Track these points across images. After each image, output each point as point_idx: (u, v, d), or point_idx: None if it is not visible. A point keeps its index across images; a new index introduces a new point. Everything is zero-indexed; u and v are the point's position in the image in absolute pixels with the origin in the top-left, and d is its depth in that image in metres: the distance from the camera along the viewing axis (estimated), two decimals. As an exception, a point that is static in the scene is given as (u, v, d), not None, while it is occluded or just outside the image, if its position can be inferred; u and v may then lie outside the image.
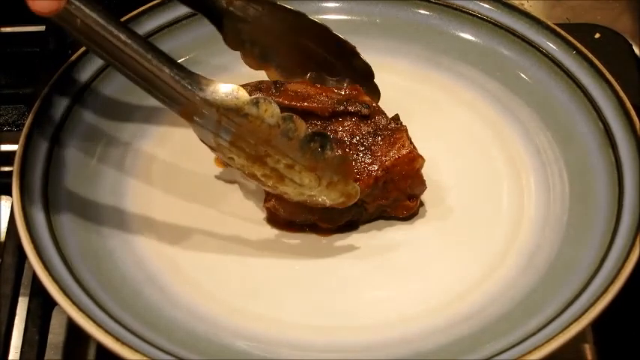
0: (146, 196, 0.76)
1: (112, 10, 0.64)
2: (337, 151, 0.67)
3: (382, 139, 0.72)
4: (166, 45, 0.82)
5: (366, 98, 0.75)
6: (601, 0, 1.01)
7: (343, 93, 0.76)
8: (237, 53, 0.78)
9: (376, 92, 0.78)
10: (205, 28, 0.81)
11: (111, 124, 0.79)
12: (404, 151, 0.71)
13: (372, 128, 0.73)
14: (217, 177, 0.78)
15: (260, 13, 0.75)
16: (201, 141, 0.67)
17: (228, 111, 0.63)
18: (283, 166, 0.66)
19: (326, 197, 0.68)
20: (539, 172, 0.77)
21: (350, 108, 0.73)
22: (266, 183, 0.68)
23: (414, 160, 0.71)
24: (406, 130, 0.73)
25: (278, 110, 0.63)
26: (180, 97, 0.64)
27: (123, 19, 0.82)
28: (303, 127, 0.64)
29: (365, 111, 0.73)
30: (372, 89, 0.77)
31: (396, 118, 0.74)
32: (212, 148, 0.67)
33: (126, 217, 0.74)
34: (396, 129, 0.73)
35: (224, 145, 0.65)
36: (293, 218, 0.72)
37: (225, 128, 0.64)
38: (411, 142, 0.72)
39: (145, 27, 0.82)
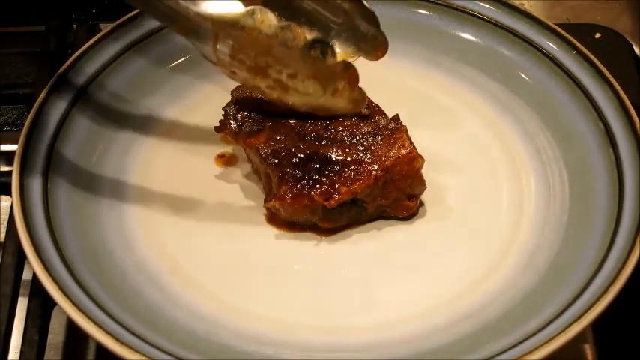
0: (146, 196, 0.76)
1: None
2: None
3: (382, 139, 0.72)
4: (166, 44, 0.83)
5: (367, 98, 0.75)
6: (601, 0, 1.01)
7: None
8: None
9: (385, 41, 0.74)
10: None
11: (111, 124, 0.79)
12: (404, 151, 0.71)
13: (372, 128, 0.73)
14: (218, 177, 0.78)
15: None
16: (203, 56, 0.66)
17: (224, 24, 0.62)
18: (286, 76, 0.65)
19: (333, 105, 0.67)
20: (539, 172, 0.77)
21: None
22: (271, 95, 0.66)
23: (413, 160, 0.71)
24: (406, 130, 0.73)
25: (275, 20, 0.62)
26: (175, 14, 0.63)
27: (123, 19, 0.82)
28: (301, 36, 0.63)
29: (365, 111, 0.73)
30: (379, 36, 0.74)
31: (396, 118, 0.74)
32: (213, 63, 0.66)
33: (126, 217, 0.73)
34: (396, 129, 0.73)
35: (224, 59, 0.65)
36: (293, 218, 0.72)
37: (223, 42, 0.63)
38: (411, 142, 0.72)
39: (145, 27, 0.82)
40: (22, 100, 0.84)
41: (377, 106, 0.75)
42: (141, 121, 0.80)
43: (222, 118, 0.75)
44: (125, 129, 0.79)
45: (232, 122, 0.74)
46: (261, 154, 0.72)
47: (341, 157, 0.71)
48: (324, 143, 0.71)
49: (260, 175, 0.76)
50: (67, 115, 0.76)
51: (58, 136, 0.74)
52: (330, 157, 0.71)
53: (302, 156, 0.71)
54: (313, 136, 0.72)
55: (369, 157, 0.71)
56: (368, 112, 0.73)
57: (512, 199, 0.75)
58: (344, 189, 0.70)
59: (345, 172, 0.70)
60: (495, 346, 0.62)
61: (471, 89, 0.83)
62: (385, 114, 0.74)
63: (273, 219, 0.74)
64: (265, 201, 0.73)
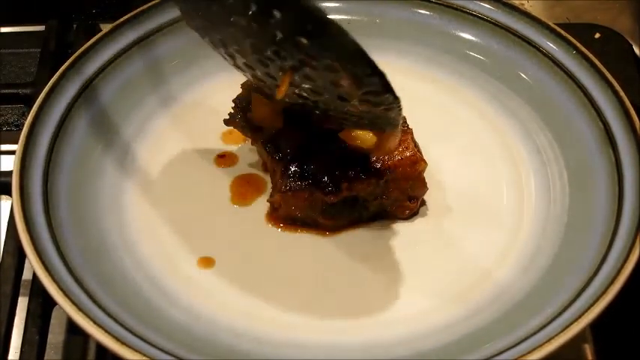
0: (146, 196, 0.76)
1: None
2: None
3: (387, 140, 0.72)
4: (166, 45, 0.83)
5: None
6: (601, 0, 1.01)
7: None
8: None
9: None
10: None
11: (111, 123, 0.79)
12: (407, 153, 0.71)
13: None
14: (217, 177, 0.78)
15: None
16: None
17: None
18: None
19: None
20: (539, 172, 0.77)
21: None
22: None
23: (416, 162, 0.71)
24: (411, 133, 0.73)
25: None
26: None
27: (123, 19, 0.82)
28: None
29: None
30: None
31: (403, 120, 0.74)
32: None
33: (126, 217, 0.74)
34: (401, 131, 0.73)
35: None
36: (294, 214, 0.72)
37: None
38: (416, 145, 0.72)
39: (145, 27, 0.82)
40: (22, 100, 0.84)
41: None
42: (141, 121, 0.80)
43: (232, 110, 0.75)
44: (125, 129, 0.79)
45: (241, 115, 0.74)
46: (266, 149, 0.72)
47: (344, 154, 0.71)
48: (328, 140, 0.71)
49: (268, 169, 0.76)
50: (67, 115, 0.76)
51: (58, 136, 0.74)
52: (334, 153, 0.71)
53: (306, 151, 0.71)
54: (318, 133, 0.72)
55: (372, 155, 0.71)
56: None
57: (512, 199, 0.75)
58: (345, 185, 0.70)
59: (347, 169, 0.70)
60: (495, 346, 0.62)
61: (471, 89, 0.83)
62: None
63: (274, 217, 0.74)
64: (270, 195, 0.73)
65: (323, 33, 0.57)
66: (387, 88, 0.61)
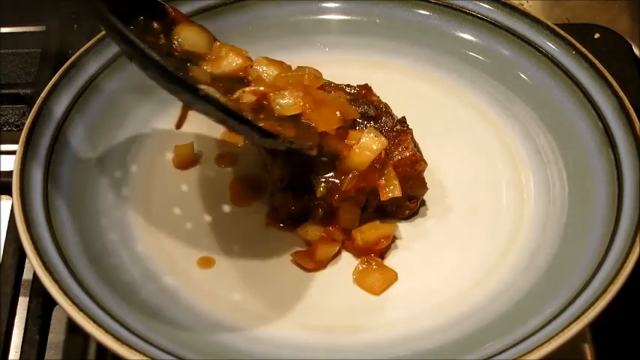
0: (146, 195, 0.76)
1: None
2: None
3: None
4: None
5: (375, 98, 0.75)
6: (600, 0, 1.01)
7: (353, 92, 0.75)
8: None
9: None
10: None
11: (111, 123, 0.79)
12: (407, 153, 0.71)
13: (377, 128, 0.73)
14: (218, 177, 0.78)
15: None
16: None
17: None
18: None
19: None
20: (539, 172, 0.77)
21: (357, 109, 0.73)
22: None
23: (416, 162, 0.71)
24: (411, 133, 0.73)
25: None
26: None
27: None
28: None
29: (372, 112, 0.73)
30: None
31: (403, 120, 0.74)
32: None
33: (126, 216, 0.74)
34: (401, 131, 0.73)
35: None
36: (294, 213, 0.72)
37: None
38: (416, 146, 0.73)
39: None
40: (23, 100, 0.84)
41: (385, 106, 0.75)
42: (141, 120, 0.80)
43: None
44: (125, 129, 0.79)
45: None
46: (265, 148, 0.72)
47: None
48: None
49: (268, 169, 0.76)
50: (67, 115, 0.76)
51: (59, 136, 0.74)
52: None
53: None
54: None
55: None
56: (375, 113, 0.73)
57: (512, 199, 0.75)
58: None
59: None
60: (495, 346, 0.62)
61: (471, 89, 0.84)
62: (392, 115, 0.74)
63: (274, 217, 0.74)
64: (270, 195, 0.73)
65: (193, 97, 0.63)
66: (263, 133, 0.64)
